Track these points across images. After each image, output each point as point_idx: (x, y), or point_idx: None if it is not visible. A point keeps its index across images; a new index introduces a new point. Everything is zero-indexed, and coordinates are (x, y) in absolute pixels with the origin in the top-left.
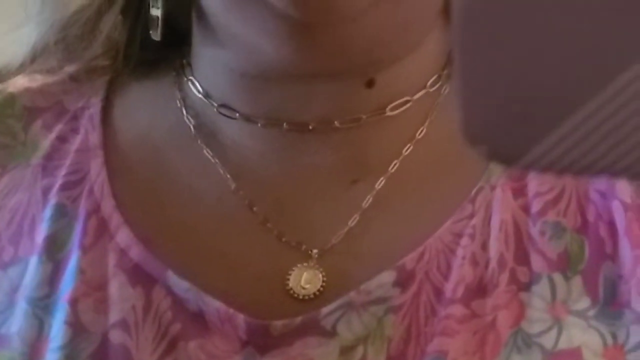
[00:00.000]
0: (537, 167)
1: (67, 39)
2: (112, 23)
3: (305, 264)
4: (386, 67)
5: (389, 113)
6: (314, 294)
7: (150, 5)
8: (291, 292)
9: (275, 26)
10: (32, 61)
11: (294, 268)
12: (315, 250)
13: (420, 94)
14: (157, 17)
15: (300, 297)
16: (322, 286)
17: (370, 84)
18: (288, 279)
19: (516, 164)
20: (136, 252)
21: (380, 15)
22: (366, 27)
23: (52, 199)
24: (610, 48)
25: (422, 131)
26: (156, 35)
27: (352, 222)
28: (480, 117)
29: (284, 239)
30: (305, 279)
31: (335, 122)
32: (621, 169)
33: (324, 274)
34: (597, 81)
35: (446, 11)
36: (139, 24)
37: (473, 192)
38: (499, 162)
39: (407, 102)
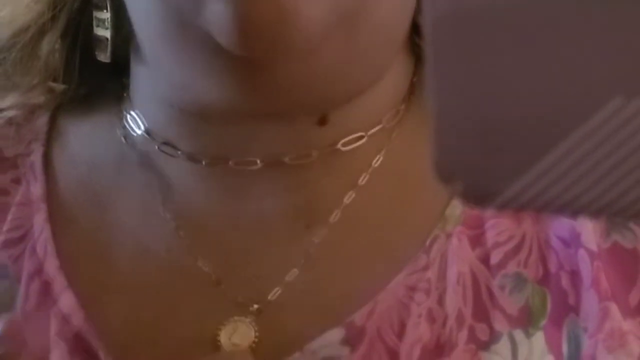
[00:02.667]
0: (513, 206)
1: (4, 65)
2: (50, 48)
3: (239, 319)
4: (340, 104)
5: (341, 148)
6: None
7: (95, 25)
8: (221, 348)
9: (216, 64)
10: None
11: (225, 323)
12: (255, 306)
13: (375, 129)
14: (106, 38)
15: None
16: (254, 342)
17: (322, 121)
18: (219, 335)
19: (490, 203)
20: (77, 321)
21: (331, 51)
22: (316, 64)
23: None
24: (589, 82)
25: (377, 162)
26: (105, 57)
27: (296, 272)
28: (453, 155)
29: (227, 294)
30: (236, 335)
31: (285, 159)
32: (601, 207)
33: (257, 330)
34: (575, 116)
35: (407, 45)
36: (77, 49)
37: (428, 241)
38: (472, 201)
39: (361, 137)
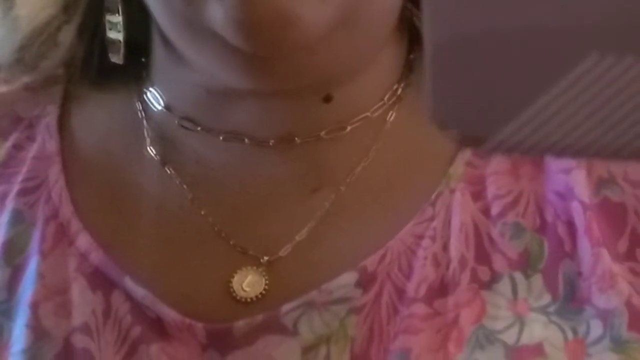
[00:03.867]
0: (504, 148)
1: (24, 57)
2: (70, 39)
3: (250, 268)
4: (342, 83)
5: (348, 129)
6: (255, 297)
7: (108, 27)
8: (233, 294)
9: (229, 58)
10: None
11: (237, 271)
12: (265, 258)
13: (377, 107)
14: (119, 41)
15: (241, 299)
16: (264, 289)
17: (327, 99)
18: (231, 282)
19: (484, 146)
20: (96, 257)
21: (333, 44)
22: (320, 55)
23: (9, 205)
24: (570, 36)
25: (381, 144)
26: (118, 58)
27: (307, 231)
28: (449, 102)
29: (238, 248)
30: (247, 283)
31: (296, 139)
32: (582, 149)
33: (267, 279)
34: (557, 68)
35: (399, 26)
36: (97, 40)
37: (433, 195)
38: (467, 145)
39: (365, 118)
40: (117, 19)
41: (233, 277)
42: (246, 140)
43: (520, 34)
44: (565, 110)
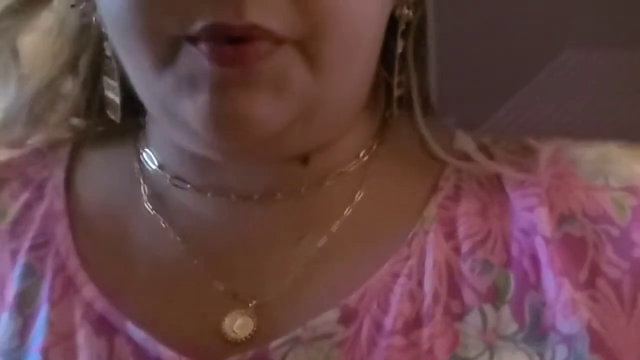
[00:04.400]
0: (496, 130)
1: (33, 111)
2: (73, 91)
3: (239, 311)
4: (317, 150)
5: (327, 184)
6: (245, 338)
7: (106, 88)
8: (225, 336)
9: (201, 142)
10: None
11: (228, 315)
12: (254, 302)
13: (353, 164)
14: (116, 103)
15: (231, 340)
16: (253, 330)
17: (305, 162)
18: (222, 325)
19: (480, 128)
20: (100, 306)
21: (292, 135)
22: (282, 143)
23: (21, 260)
24: (548, 33)
25: (360, 195)
26: (117, 117)
27: (292, 275)
28: (451, 91)
29: (228, 293)
30: (237, 325)
31: (278, 194)
32: (559, 130)
33: (255, 320)
34: (536, 62)
35: (373, 92)
36: (97, 92)
37: (409, 237)
38: (464, 128)
39: (342, 173)
40: (115, 84)
41: (224, 320)
42: (232, 196)
43: (506, 31)
44: (544, 99)
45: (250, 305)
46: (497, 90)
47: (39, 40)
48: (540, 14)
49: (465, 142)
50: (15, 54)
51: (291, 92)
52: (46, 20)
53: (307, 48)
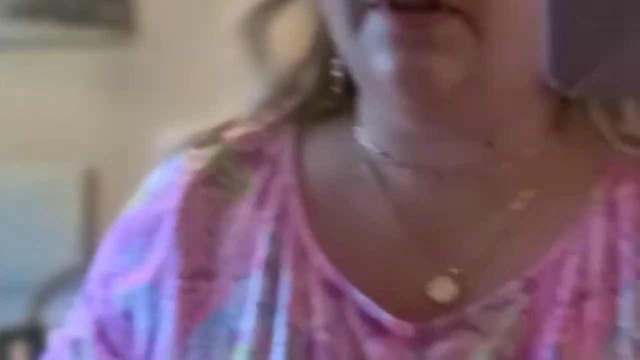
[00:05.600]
0: (592, 91)
1: (277, 95)
2: (310, 83)
3: (443, 278)
4: (498, 131)
5: (508, 166)
6: (449, 301)
7: (331, 68)
8: (432, 300)
9: (393, 104)
10: (254, 114)
11: (434, 280)
12: (455, 270)
13: (531, 149)
14: (339, 78)
15: (438, 303)
16: (455, 295)
17: (488, 144)
18: (429, 289)
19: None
20: (330, 272)
21: (467, 97)
22: (458, 105)
23: (267, 227)
24: None
25: (536, 178)
26: (338, 90)
27: (484, 248)
28: (566, 60)
29: (432, 262)
30: (442, 290)
31: (466, 172)
32: None
33: (456, 287)
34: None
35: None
36: (322, 82)
37: (578, 217)
38: (563, 87)
39: (521, 157)
40: (339, 61)
41: (430, 286)
42: (427, 172)
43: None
44: None
45: (452, 272)
46: (594, 49)
47: (286, 29)
48: None
49: (634, 126)
50: (268, 41)
51: (460, 56)
52: (291, 11)
53: (475, 21)
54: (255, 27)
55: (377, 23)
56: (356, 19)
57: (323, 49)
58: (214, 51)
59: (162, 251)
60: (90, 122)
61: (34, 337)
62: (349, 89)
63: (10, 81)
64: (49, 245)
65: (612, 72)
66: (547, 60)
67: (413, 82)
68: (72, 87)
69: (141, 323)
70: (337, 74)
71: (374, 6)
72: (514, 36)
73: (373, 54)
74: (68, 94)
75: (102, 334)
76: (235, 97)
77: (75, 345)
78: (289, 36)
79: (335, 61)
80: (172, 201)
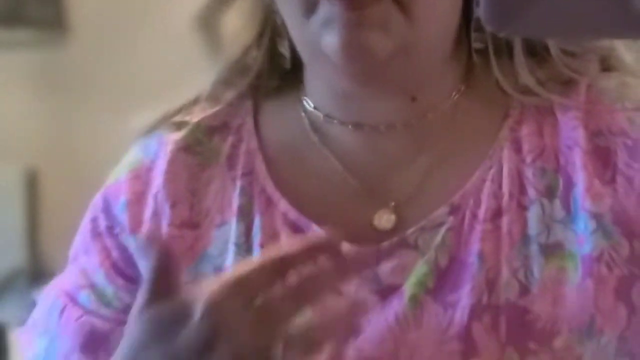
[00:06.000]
0: (521, 32)
1: (232, 74)
2: (259, 61)
3: (384, 210)
4: (421, 88)
5: (430, 117)
6: (389, 229)
7: (279, 47)
8: (376, 228)
9: (337, 71)
10: (211, 94)
11: (377, 213)
12: (392, 203)
13: (448, 102)
14: (286, 55)
15: (380, 230)
16: (394, 223)
17: (413, 99)
18: (373, 220)
19: (510, 28)
20: (293, 215)
21: (398, 64)
22: (391, 70)
23: (238, 183)
24: None
25: (454, 124)
26: (286, 65)
27: (415, 183)
28: (499, 4)
29: (374, 198)
30: (384, 219)
31: (397, 125)
32: (583, 31)
33: (395, 216)
34: None
35: (457, 45)
36: (270, 61)
37: (490, 152)
38: (496, 29)
39: (440, 109)
40: (284, 42)
41: (374, 217)
42: (366, 127)
43: None
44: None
45: (391, 205)
46: None
47: (235, 19)
48: None
49: (527, 78)
50: (220, 31)
51: (392, 32)
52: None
53: (403, 2)
54: (210, 18)
55: (325, 10)
56: (307, 7)
57: (269, 33)
58: (146, 47)
59: (152, 205)
60: (27, 122)
61: None
62: (295, 66)
63: None
64: None
65: (541, 14)
66: (482, 5)
67: (355, 54)
68: (6, 88)
69: (142, 267)
70: (283, 51)
71: None
72: (434, 12)
73: (323, 34)
74: (2, 95)
75: (115, 268)
76: (183, 84)
77: (93, 287)
78: (237, 24)
79: (281, 42)
80: (160, 165)
